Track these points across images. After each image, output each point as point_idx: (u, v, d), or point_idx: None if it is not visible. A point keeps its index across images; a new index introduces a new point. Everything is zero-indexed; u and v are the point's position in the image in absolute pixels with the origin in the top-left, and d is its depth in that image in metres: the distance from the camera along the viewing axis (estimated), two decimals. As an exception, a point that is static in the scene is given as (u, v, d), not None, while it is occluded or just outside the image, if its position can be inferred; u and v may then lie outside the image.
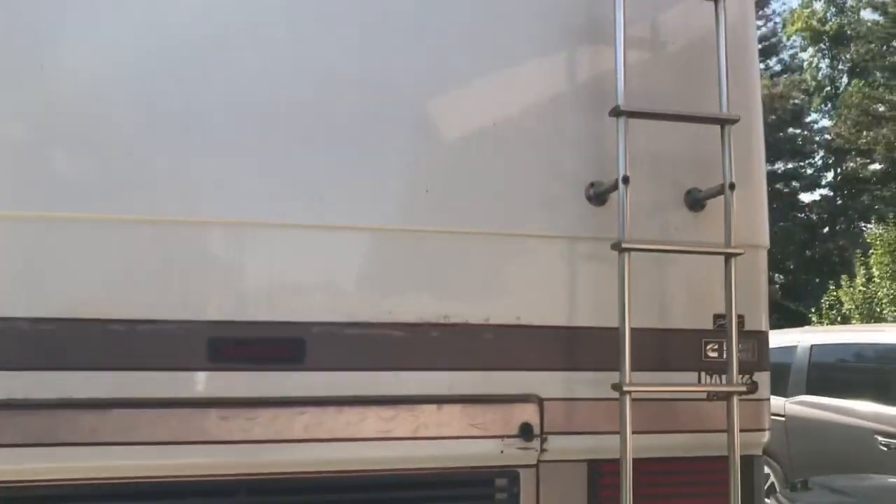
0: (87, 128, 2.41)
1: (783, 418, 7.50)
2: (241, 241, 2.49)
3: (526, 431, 2.63)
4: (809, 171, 29.16)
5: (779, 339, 8.08)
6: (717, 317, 2.82)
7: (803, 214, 28.19)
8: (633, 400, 2.60)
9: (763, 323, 2.95)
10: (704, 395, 2.79)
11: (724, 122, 2.75)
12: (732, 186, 2.70)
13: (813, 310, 18.13)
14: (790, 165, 28.87)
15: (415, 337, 2.57)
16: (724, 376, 2.82)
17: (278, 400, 2.45)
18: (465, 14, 2.74)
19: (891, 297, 15.08)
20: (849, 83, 27.76)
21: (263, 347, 2.46)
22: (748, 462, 2.91)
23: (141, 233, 2.42)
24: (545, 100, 2.77)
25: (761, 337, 2.93)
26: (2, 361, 2.28)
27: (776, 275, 28.52)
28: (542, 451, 2.65)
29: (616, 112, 2.65)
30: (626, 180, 2.61)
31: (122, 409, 2.34)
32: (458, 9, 2.74)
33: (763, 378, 2.92)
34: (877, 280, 15.65)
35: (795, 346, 8.09)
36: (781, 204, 28.22)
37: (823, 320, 16.46)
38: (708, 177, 2.83)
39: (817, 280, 19.05)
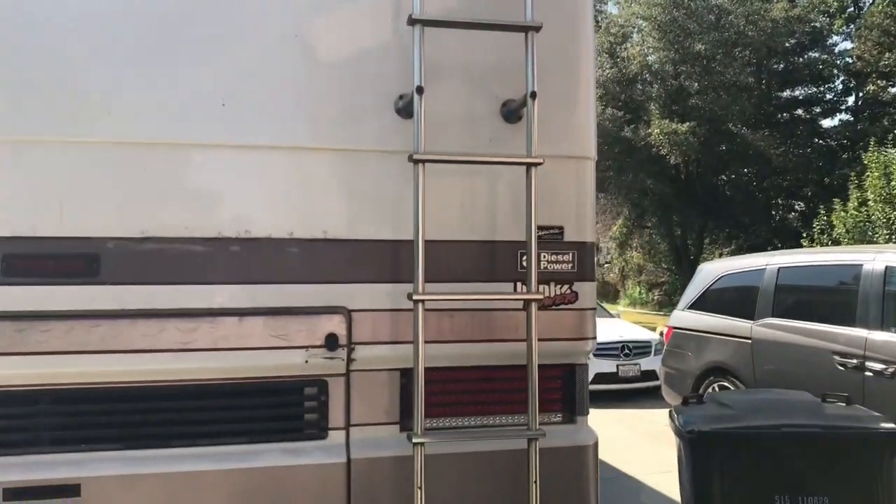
0: None
1: (749, 340, 7.49)
2: (30, 159, 2.53)
3: (331, 342, 2.69)
4: (829, 97, 28.33)
5: (749, 262, 7.91)
6: (539, 228, 2.82)
7: (822, 141, 27.50)
8: (428, 310, 2.64)
9: (587, 234, 2.95)
10: (520, 305, 2.81)
11: (527, 30, 2.70)
12: (534, 95, 2.67)
13: (804, 234, 17.85)
14: (810, 91, 28.05)
15: (214, 251, 2.62)
16: (542, 286, 2.84)
17: (73, 313, 2.52)
18: None
19: (884, 220, 14.77)
20: (872, 2, 26.76)
21: (56, 263, 2.52)
22: (571, 370, 2.95)
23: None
24: (348, 9, 2.74)
25: (584, 248, 2.93)
26: None
27: (795, 203, 28.02)
28: (350, 360, 2.71)
29: (411, 21, 2.62)
30: (419, 90, 2.60)
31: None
32: None
33: (586, 288, 2.93)
34: (871, 203, 15.31)
35: (763, 269, 8.01)
36: (800, 130, 27.55)
37: (815, 245, 16.20)
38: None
39: (835, 207, 18.69)
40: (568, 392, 2.94)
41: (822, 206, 17.59)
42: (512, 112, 2.81)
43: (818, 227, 17.13)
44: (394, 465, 2.71)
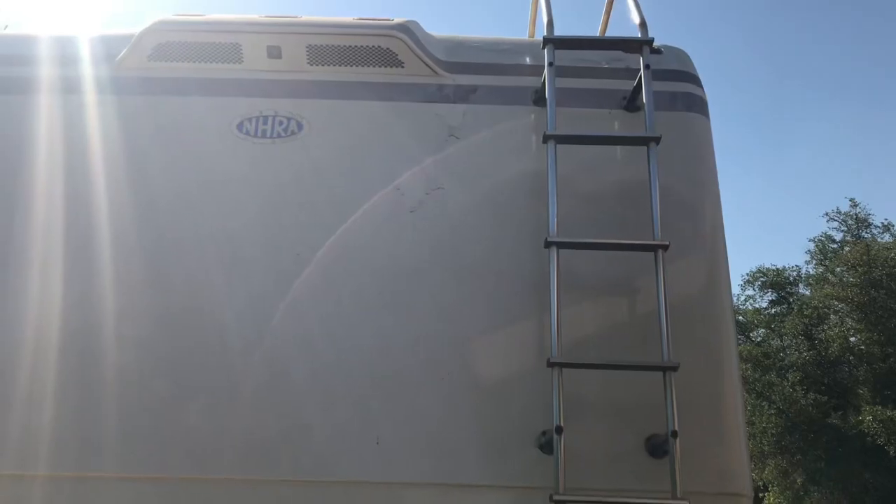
0: None
1: None
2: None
3: None
4: None
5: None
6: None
7: None
8: None
9: None
10: None
11: (665, 369, 2.77)
12: (675, 434, 2.68)
13: None
14: None
15: None
16: None
17: None
18: None
19: None
20: None
21: None
22: None
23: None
24: (492, 347, 2.96)
25: None
26: None
27: None
28: None
29: (550, 364, 2.78)
30: (559, 430, 2.69)
31: None
32: None
33: None
34: None
35: None
36: None
37: None
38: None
39: None
40: None
41: None
42: (657, 447, 2.81)
43: None
44: None
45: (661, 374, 2.80)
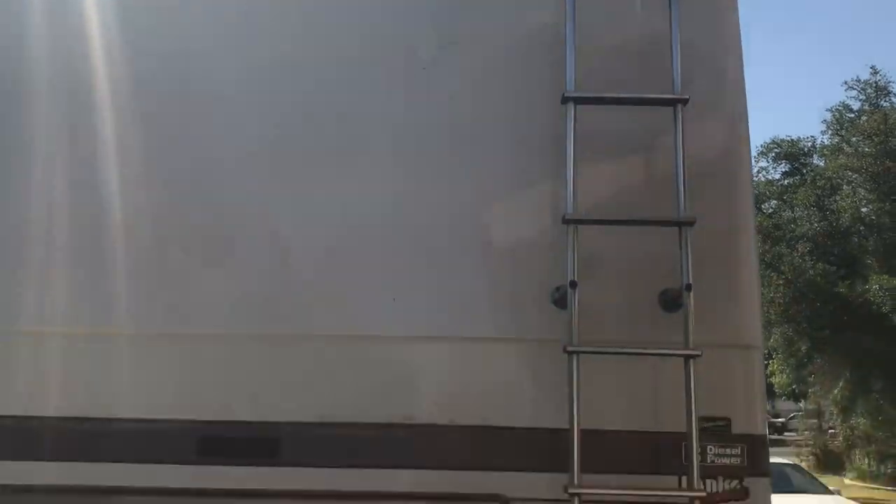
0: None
1: None
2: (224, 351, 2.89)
3: None
4: None
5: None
6: (702, 419, 2.76)
7: None
8: (586, 503, 2.63)
9: (757, 426, 2.84)
10: (686, 501, 2.72)
11: (680, 224, 2.78)
12: (689, 288, 2.71)
13: None
14: None
15: (384, 436, 2.80)
16: (709, 481, 2.75)
17: (257, 492, 2.76)
18: None
19: None
20: None
21: (244, 445, 2.80)
22: None
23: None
24: (507, 205, 2.96)
25: (754, 440, 2.82)
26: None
27: None
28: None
29: (565, 220, 2.78)
30: (573, 285, 2.72)
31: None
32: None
33: (758, 484, 2.79)
34: None
35: None
36: None
37: None
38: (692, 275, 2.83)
39: None
40: None
41: None
42: (670, 301, 2.85)
43: None
44: None
45: (676, 229, 2.80)
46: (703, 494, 2.64)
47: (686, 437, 2.70)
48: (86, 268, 2.93)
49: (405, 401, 2.84)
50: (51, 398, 2.85)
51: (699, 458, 2.66)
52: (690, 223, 2.76)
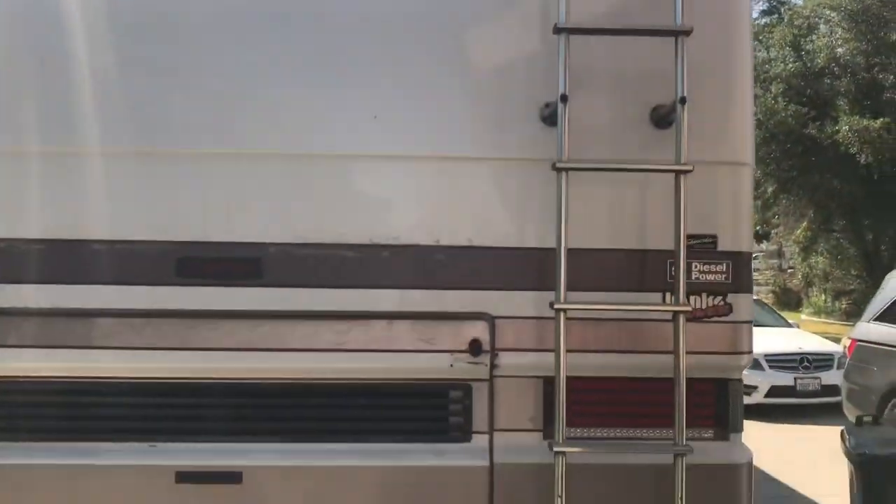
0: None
1: None
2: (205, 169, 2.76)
3: (475, 347, 2.74)
4: None
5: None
6: (688, 237, 2.73)
7: None
8: (571, 319, 2.63)
9: (743, 243, 2.83)
10: (669, 316, 2.74)
11: (676, 34, 2.63)
12: (683, 101, 2.60)
13: None
14: None
15: (367, 257, 2.74)
16: (693, 297, 2.76)
17: (238, 313, 2.72)
18: None
19: None
20: None
21: (224, 265, 2.73)
22: (723, 384, 2.84)
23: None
24: (495, 19, 2.78)
25: (740, 258, 2.81)
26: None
27: None
28: (493, 366, 2.75)
29: (556, 30, 2.62)
30: (563, 99, 2.60)
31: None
32: None
33: (741, 300, 2.81)
34: None
35: None
36: None
37: None
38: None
39: None
40: (720, 407, 2.83)
41: None
42: (662, 117, 2.75)
43: None
44: (536, 472, 2.71)
45: (669, 42, 2.66)
46: (689, 309, 2.65)
47: (673, 254, 2.68)
48: (58, 87, 2.74)
49: (389, 221, 2.77)
50: (26, 219, 2.73)
51: (685, 275, 2.65)
52: (687, 32, 2.62)
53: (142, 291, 2.71)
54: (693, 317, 2.71)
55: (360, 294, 2.74)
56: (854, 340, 7.73)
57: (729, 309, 2.79)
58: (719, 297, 2.79)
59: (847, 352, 8.02)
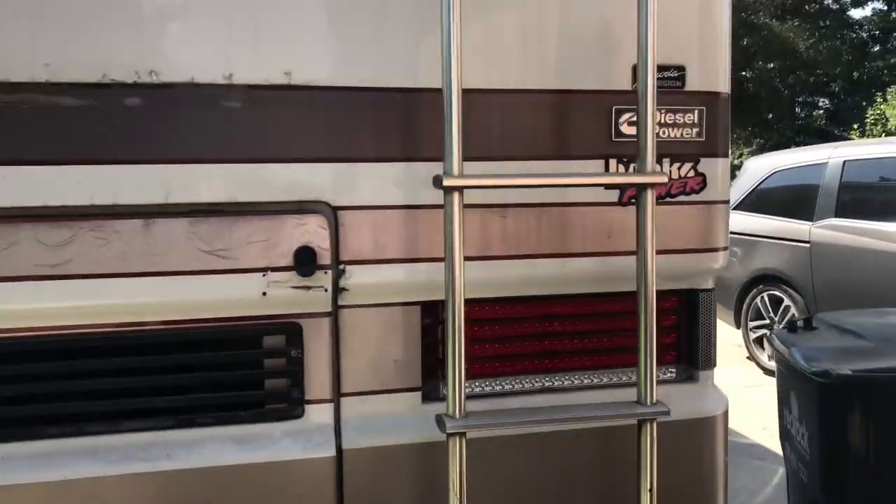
0: None
1: (808, 244, 6.68)
2: None
3: (305, 260, 1.59)
4: (863, -16, 26.37)
5: (806, 156, 6.93)
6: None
7: (853, 33, 25.77)
8: (468, 206, 1.53)
9: (720, 80, 1.81)
10: (615, 198, 1.70)
11: None
12: None
13: (855, 126, 16.22)
14: (841, -21, 26.14)
15: (96, 106, 1.50)
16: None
17: None
18: None
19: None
20: None
21: None
22: (691, 299, 1.86)
23: None
24: None
25: (717, 102, 1.79)
26: None
27: (820, 99, 26.46)
28: (339, 290, 1.62)
29: None
30: None
31: None
32: None
33: (717, 168, 1.81)
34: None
35: (825, 164, 7.01)
36: (829, 21, 25.73)
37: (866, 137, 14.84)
38: None
39: (864, 104, 17.09)
40: (687, 334, 1.86)
41: (855, 98, 15.93)
42: None
43: (871, 117, 15.57)
44: (413, 456, 1.66)
45: None
46: (664, 180, 1.62)
47: (621, 96, 1.65)
48: None
49: (141, 43, 1.52)
50: None
51: (653, 126, 1.61)
52: None
53: None
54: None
55: (87, 174, 1.50)
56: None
57: (702, 182, 1.79)
58: (688, 165, 1.77)
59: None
